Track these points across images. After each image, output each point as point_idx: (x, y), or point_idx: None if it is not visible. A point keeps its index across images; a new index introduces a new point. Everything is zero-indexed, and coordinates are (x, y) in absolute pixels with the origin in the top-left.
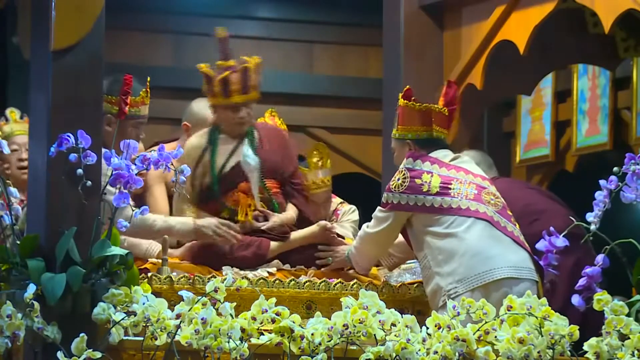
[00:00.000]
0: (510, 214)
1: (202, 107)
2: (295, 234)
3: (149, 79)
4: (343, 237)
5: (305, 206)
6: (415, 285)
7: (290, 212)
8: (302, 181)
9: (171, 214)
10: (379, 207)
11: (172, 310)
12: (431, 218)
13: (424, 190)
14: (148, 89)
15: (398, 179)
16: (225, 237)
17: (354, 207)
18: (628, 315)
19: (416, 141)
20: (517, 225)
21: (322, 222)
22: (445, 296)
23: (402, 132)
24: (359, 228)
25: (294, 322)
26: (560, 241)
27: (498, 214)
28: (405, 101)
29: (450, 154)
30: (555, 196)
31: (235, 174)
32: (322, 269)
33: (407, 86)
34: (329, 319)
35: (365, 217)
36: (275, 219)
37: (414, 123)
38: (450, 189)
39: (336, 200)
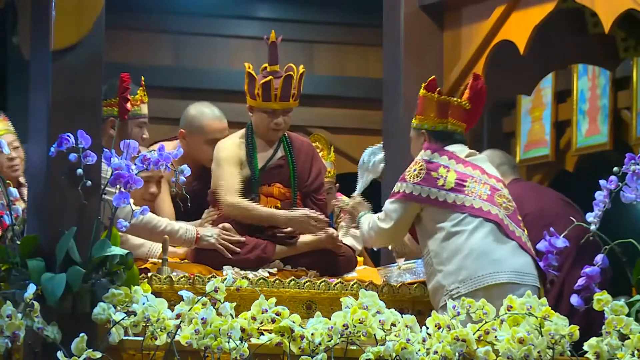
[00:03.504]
0: (520, 218)
1: (198, 114)
2: (302, 239)
3: (143, 78)
4: (351, 247)
5: None
6: (415, 285)
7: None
8: (325, 198)
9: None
10: (388, 200)
11: (172, 310)
12: (441, 213)
13: (439, 184)
14: (144, 88)
15: (414, 170)
16: (227, 246)
17: None
18: (628, 315)
19: (431, 132)
20: (526, 231)
21: (329, 230)
22: (447, 295)
23: (419, 122)
24: None
25: (294, 322)
26: (560, 242)
27: (508, 217)
28: (425, 91)
29: (465, 150)
30: (570, 202)
31: (263, 179)
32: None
33: (433, 76)
34: (329, 319)
35: None
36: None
37: (430, 114)
38: (465, 186)
39: (343, 198)
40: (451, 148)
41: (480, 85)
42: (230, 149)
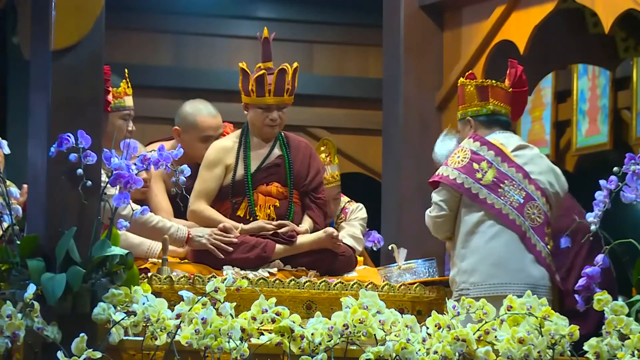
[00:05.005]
0: (548, 232)
1: (192, 111)
2: (302, 239)
3: (126, 70)
4: (351, 247)
5: (322, 220)
6: (415, 285)
7: (306, 225)
8: (325, 197)
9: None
10: (434, 191)
11: (172, 310)
12: (470, 206)
13: (478, 177)
14: (127, 80)
15: (458, 156)
16: (219, 246)
17: (361, 205)
18: (628, 315)
19: (476, 117)
20: (550, 244)
21: (329, 229)
22: (457, 293)
23: (463, 110)
24: (367, 225)
25: (294, 322)
26: (561, 242)
27: (532, 229)
28: (463, 80)
29: (514, 140)
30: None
31: (260, 177)
32: None
33: (470, 71)
34: (329, 319)
35: (368, 216)
36: (289, 227)
37: (472, 100)
38: (500, 187)
39: (344, 199)
40: (499, 138)
41: (519, 72)
42: (214, 152)
